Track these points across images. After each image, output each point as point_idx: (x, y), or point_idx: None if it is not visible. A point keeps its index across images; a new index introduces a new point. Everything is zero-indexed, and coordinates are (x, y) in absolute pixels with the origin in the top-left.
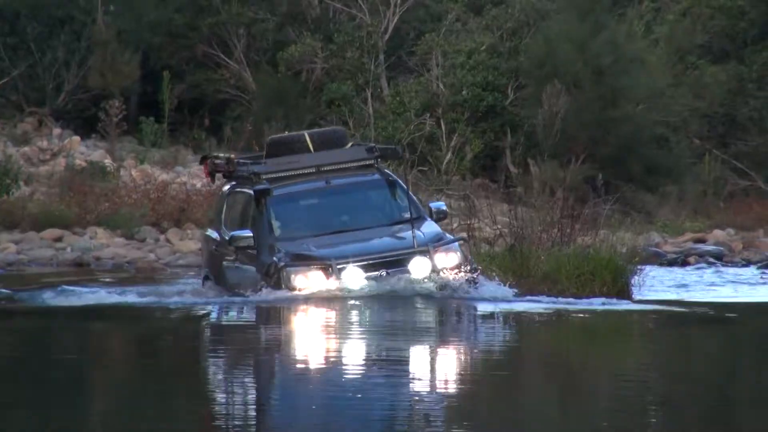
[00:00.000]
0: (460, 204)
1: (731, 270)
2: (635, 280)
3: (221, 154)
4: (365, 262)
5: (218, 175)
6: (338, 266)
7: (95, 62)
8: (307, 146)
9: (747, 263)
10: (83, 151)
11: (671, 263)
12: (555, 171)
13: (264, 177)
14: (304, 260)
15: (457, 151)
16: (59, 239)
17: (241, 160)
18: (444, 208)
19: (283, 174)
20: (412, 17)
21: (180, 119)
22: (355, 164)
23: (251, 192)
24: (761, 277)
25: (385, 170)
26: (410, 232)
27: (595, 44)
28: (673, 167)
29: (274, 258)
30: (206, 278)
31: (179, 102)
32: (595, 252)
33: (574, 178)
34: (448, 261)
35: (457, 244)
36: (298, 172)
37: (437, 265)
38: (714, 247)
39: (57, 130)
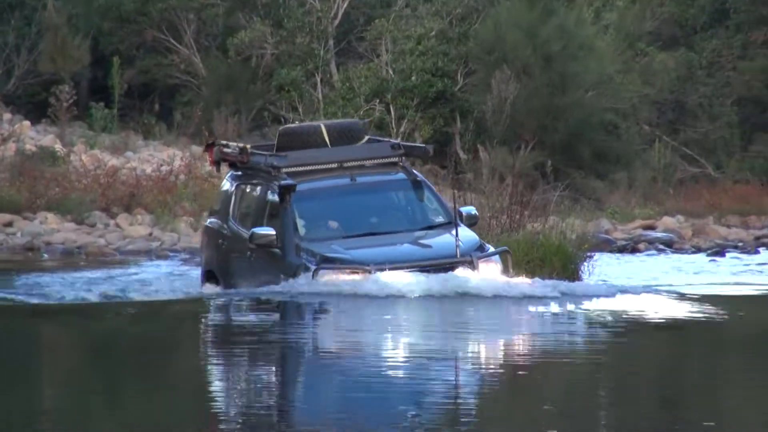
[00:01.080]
0: None
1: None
2: (584, 266)
3: (231, 143)
4: (406, 270)
5: (224, 164)
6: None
7: (45, 47)
8: (322, 138)
9: (697, 250)
10: (33, 136)
11: (621, 250)
12: (504, 157)
13: (284, 171)
14: (337, 264)
15: (406, 137)
16: (9, 224)
17: (257, 152)
18: (475, 212)
19: (304, 168)
20: (362, 3)
21: (130, 104)
22: (377, 161)
23: (270, 186)
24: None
25: (411, 169)
26: (446, 236)
27: (545, 30)
28: (622, 154)
29: (303, 260)
30: (208, 275)
31: (129, 87)
32: (544, 238)
33: (523, 164)
34: (491, 272)
35: (498, 256)
36: (319, 167)
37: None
38: (664, 234)
39: (7, 115)
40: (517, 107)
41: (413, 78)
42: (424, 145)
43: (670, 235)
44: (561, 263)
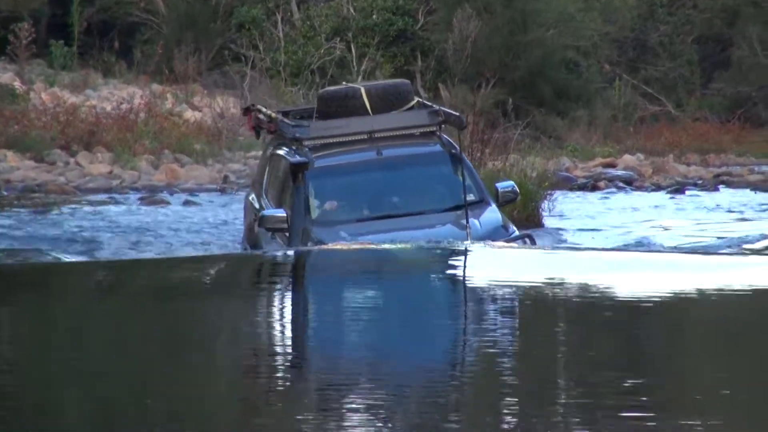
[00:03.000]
0: None
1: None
2: (545, 204)
3: (264, 109)
4: None
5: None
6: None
7: None
8: (363, 103)
9: (657, 188)
10: None
11: (581, 188)
12: (465, 95)
13: (306, 143)
14: None
15: (367, 76)
16: None
17: (284, 120)
18: (513, 188)
19: (328, 141)
20: None
21: (90, 42)
22: (414, 130)
23: (290, 161)
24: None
25: (448, 140)
26: (471, 219)
27: None
28: (583, 92)
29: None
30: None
31: (89, 25)
32: (505, 176)
33: (484, 102)
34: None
35: (520, 242)
36: (346, 139)
37: None
38: (624, 172)
39: None
40: (478, 45)
41: (374, 16)
42: (458, 113)
43: (630, 173)
44: (521, 201)
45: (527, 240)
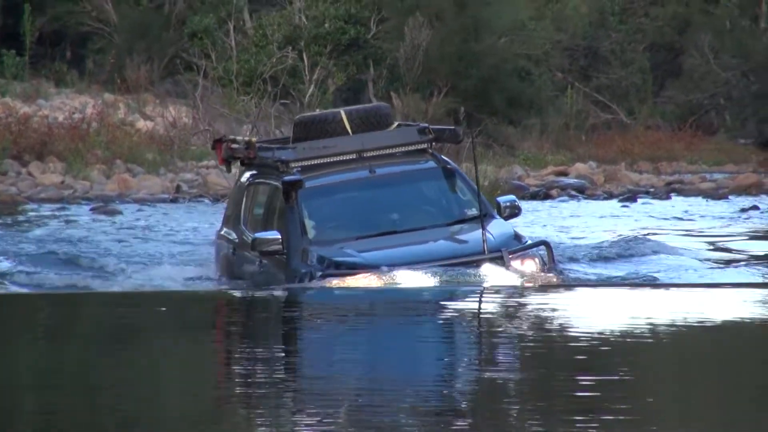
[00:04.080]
0: None
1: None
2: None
3: (238, 138)
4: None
5: (235, 162)
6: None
7: None
8: (343, 127)
9: (609, 196)
10: None
11: (534, 196)
12: (417, 104)
13: (294, 165)
14: (347, 269)
15: (319, 84)
16: None
17: (264, 145)
18: (516, 202)
19: (316, 161)
20: None
21: (41, 52)
22: (404, 149)
23: (278, 184)
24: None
25: (441, 156)
26: (476, 232)
27: None
28: (535, 100)
29: (310, 266)
30: None
31: (41, 34)
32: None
33: (436, 110)
34: (526, 269)
35: (536, 249)
36: (335, 159)
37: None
38: (576, 180)
39: None
40: (430, 54)
41: (326, 25)
42: (453, 127)
43: (583, 181)
44: None
45: (544, 247)
